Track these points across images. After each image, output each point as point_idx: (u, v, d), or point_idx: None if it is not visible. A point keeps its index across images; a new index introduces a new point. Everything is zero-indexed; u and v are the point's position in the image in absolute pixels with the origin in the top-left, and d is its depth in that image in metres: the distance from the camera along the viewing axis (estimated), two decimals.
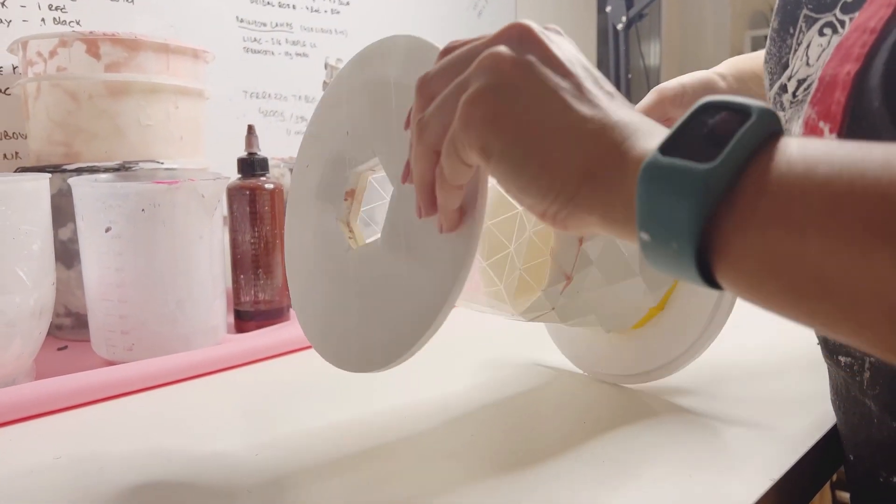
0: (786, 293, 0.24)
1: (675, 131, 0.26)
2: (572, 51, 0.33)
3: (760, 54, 0.59)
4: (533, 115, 0.31)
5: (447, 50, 0.36)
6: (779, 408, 0.51)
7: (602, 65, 1.88)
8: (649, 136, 0.28)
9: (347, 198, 0.46)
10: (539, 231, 0.50)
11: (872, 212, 0.21)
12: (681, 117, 0.27)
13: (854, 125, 0.34)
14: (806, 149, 0.24)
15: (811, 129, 0.35)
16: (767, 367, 0.60)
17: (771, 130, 0.25)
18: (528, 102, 0.31)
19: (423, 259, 0.39)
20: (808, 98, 0.37)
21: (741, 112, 0.25)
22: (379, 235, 0.43)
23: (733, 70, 0.63)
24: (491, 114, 0.31)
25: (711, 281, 0.26)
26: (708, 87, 0.61)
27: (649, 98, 0.60)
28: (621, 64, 1.72)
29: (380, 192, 0.49)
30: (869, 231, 0.21)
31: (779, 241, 0.23)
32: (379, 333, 0.41)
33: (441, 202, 0.36)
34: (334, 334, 0.44)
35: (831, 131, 0.34)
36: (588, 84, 0.31)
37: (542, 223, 0.50)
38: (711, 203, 0.24)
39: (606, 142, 0.29)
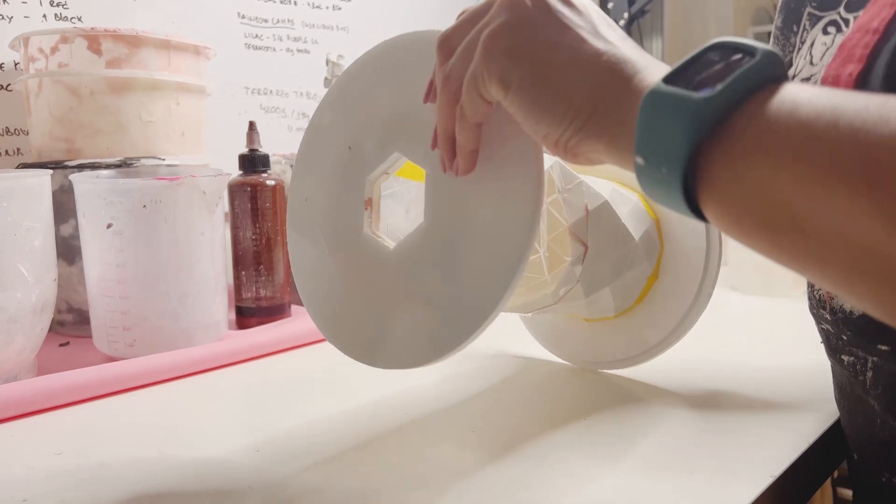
0: (760, 224, 0.25)
1: (683, 64, 0.28)
2: None
3: None
4: (550, 49, 0.32)
5: (462, 13, 0.38)
6: (781, 404, 0.51)
7: None
8: (659, 71, 0.30)
9: (367, 207, 0.46)
10: (552, 202, 0.51)
11: (841, 153, 0.23)
12: (691, 52, 0.28)
13: None
14: (798, 93, 0.25)
15: None
16: (770, 364, 0.60)
17: (773, 74, 0.26)
18: (546, 36, 0.33)
19: (480, 233, 0.39)
20: None
21: (748, 52, 0.27)
22: (410, 229, 0.43)
23: None
24: (510, 46, 0.33)
25: (697, 210, 0.27)
26: None
27: None
28: None
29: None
30: (835, 170, 0.23)
31: (757, 174, 0.25)
32: (439, 320, 0.40)
33: (460, 142, 0.38)
34: (380, 336, 0.44)
35: None
36: (602, 25, 0.33)
37: (552, 194, 0.51)
38: (700, 131, 0.26)
39: (617, 74, 0.31)
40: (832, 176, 0.23)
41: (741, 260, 0.88)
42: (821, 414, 0.49)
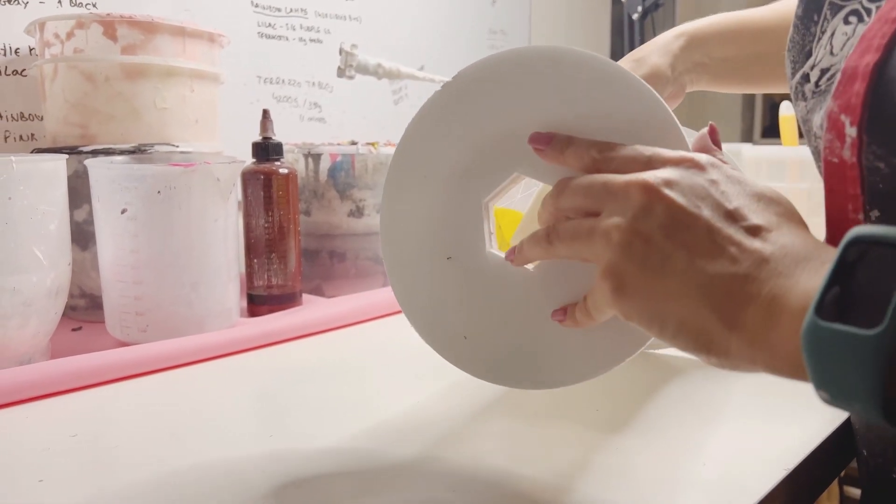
0: None
1: (828, 281, 0.26)
2: (697, 188, 0.33)
3: (713, 19, 0.62)
4: (661, 281, 0.32)
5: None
6: (792, 399, 0.51)
7: (616, 56, 1.87)
8: (792, 273, 0.29)
9: (494, 231, 0.44)
10: None
11: None
12: (830, 261, 0.26)
13: (874, 118, 0.33)
14: None
15: (833, 122, 0.35)
16: None
17: None
18: (656, 266, 0.32)
19: None
20: (832, 89, 0.37)
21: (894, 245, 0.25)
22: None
23: (689, 50, 0.63)
24: (620, 288, 0.33)
25: None
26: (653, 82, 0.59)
27: None
28: None
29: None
30: None
31: None
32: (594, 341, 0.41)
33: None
34: (538, 356, 0.43)
35: (852, 124, 0.33)
36: (719, 225, 0.32)
37: None
38: (887, 366, 0.24)
39: (745, 296, 0.30)
40: None
41: None
42: (831, 410, 0.49)
